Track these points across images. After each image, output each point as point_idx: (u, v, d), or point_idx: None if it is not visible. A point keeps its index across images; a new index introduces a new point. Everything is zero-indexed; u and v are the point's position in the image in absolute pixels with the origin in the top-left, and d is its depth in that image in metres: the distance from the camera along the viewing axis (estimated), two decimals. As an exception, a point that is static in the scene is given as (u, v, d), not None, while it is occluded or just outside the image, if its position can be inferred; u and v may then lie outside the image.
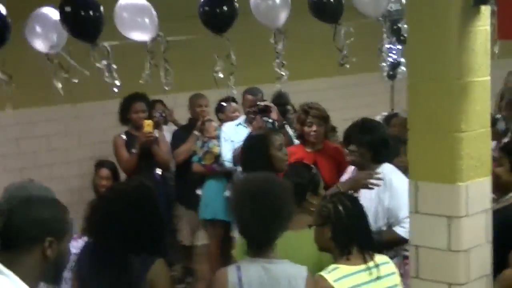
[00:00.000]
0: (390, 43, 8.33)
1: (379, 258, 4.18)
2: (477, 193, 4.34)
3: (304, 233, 4.31)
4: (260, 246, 3.94)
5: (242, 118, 7.65)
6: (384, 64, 8.49)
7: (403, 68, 8.57)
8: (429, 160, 4.34)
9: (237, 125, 7.58)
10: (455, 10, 4.22)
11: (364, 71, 8.73)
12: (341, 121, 8.09)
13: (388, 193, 5.40)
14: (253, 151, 5.58)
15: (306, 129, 6.55)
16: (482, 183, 4.39)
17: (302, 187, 4.61)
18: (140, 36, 5.73)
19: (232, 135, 7.44)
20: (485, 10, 4.32)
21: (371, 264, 4.10)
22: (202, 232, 8.48)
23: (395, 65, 8.59)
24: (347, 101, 10.13)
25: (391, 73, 8.68)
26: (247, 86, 8.07)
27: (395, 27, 7.79)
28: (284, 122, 7.32)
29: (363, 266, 4.09)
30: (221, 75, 5.96)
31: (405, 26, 7.08)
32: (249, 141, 5.77)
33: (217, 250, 7.84)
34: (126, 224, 3.99)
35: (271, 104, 7.25)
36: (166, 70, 5.90)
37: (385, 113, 8.50)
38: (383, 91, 9.43)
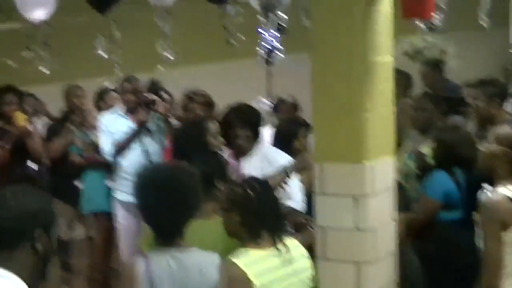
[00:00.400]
0: (267, 29, 8.37)
1: (289, 242, 4.15)
2: (382, 172, 4.39)
3: (215, 221, 4.23)
4: (168, 235, 3.84)
5: (119, 107, 7.45)
6: (261, 50, 8.51)
7: (279, 53, 8.61)
8: (334, 141, 4.34)
9: (115, 115, 7.36)
10: (359, -10, 4.24)
11: (241, 57, 8.70)
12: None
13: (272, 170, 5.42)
14: (189, 139, 5.36)
15: (192, 116, 6.47)
16: (386, 162, 4.44)
17: (210, 174, 4.53)
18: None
19: (111, 126, 7.24)
20: (387, -9, 4.37)
21: (281, 248, 4.07)
22: (80, 226, 8.25)
23: (271, 51, 8.62)
24: (223, 87, 10.10)
25: (268, 58, 8.69)
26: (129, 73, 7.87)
27: (272, 14, 7.78)
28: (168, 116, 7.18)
29: (273, 250, 4.05)
30: (104, 55, 5.72)
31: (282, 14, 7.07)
32: (185, 129, 5.54)
33: (103, 243, 7.65)
34: None
35: (156, 97, 7.08)
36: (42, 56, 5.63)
37: (263, 99, 8.52)
38: (259, 76, 9.45)
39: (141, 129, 6.96)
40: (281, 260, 4.03)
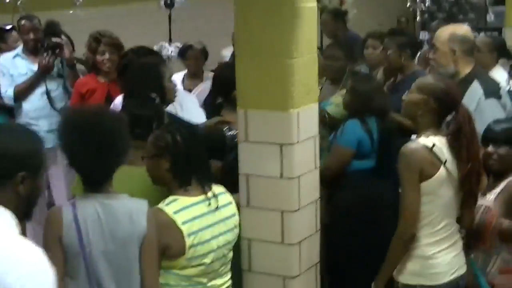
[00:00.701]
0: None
1: (217, 188, 4.07)
2: (307, 120, 4.34)
3: (144, 169, 4.09)
4: (95, 181, 3.68)
5: (19, 48, 7.08)
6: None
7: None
8: (259, 88, 4.27)
9: (14, 56, 6.99)
10: None
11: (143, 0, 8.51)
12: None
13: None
14: (145, 82, 5.07)
15: (98, 57, 6.25)
16: (311, 109, 4.40)
17: (148, 119, 4.37)
18: None
19: (11, 68, 6.93)
20: None
21: (209, 194, 3.98)
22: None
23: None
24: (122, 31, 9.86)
25: (168, 1, 8.49)
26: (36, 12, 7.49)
27: None
28: (75, 60, 6.89)
29: (202, 197, 3.95)
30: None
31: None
32: (140, 71, 5.21)
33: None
34: None
35: (63, 41, 6.79)
36: None
37: (164, 43, 8.33)
38: (161, 20, 9.21)
39: (44, 73, 6.68)
40: (209, 207, 3.95)
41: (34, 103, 6.75)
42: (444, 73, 5.03)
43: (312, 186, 4.45)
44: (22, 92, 6.80)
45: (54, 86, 6.76)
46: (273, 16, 4.20)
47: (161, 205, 3.85)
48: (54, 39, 6.67)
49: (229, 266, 4.09)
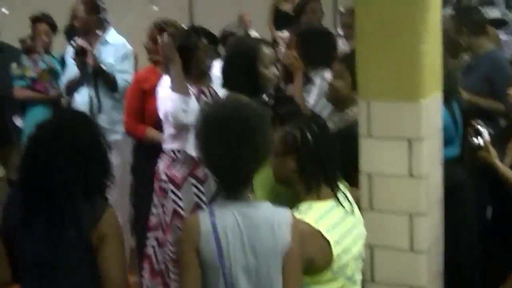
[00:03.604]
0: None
1: (343, 187, 3.60)
2: (434, 111, 3.91)
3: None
4: (234, 185, 3.20)
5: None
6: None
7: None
8: (385, 76, 3.80)
9: (71, 45, 6.29)
10: None
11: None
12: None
13: None
14: (234, 65, 4.53)
15: None
16: (437, 99, 3.96)
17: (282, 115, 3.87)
18: None
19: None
20: None
21: (341, 197, 3.51)
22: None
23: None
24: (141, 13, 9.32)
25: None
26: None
27: None
28: (100, 68, 6.28)
29: (333, 201, 3.48)
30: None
31: None
32: (232, 51, 4.66)
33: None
34: (70, 164, 3.22)
35: (88, 46, 6.21)
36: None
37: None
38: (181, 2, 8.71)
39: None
40: (344, 210, 3.48)
41: (84, 98, 6.24)
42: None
43: (439, 185, 4.01)
44: (69, 89, 6.39)
45: (92, 91, 6.25)
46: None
47: (296, 214, 3.36)
48: (80, 41, 6.10)
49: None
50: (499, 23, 9.27)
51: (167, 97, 4.85)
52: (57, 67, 6.87)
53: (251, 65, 4.45)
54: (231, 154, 3.11)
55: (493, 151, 4.58)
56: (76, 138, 3.27)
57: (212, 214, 3.14)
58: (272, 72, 4.52)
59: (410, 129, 3.78)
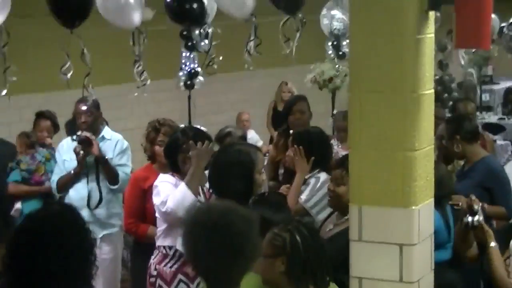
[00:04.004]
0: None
1: None
2: (426, 217, 3.96)
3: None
4: None
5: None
6: (181, 73, 7.91)
7: (201, 78, 8.01)
8: (376, 183, 3.87)
9: (73, 140, 6.48)
10: (410, 14, 3.80)
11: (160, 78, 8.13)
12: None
13: None
14: (232, 174, 4.62)
15: (157, 148, 5.76)
16: (429, 206, 4.02)
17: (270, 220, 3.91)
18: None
19: (65, 153, 6.45)
20: (432, 16, 3.96)
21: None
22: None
23: (192, 74, 8.00)
24: (139, 108, 9.47)
25: (188, 82, 8.07)
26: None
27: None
28: (104, 158, 6.41)
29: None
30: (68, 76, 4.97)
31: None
32: (229, 160, 4.81)
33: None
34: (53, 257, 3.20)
35: (93, 137, 6.33)
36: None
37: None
38: (178, 98, 8.85)
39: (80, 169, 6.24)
40: None
41: (79, 192, 6.29)
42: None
43: (429, 289, 4.04)
44: (63, 186, 6.43)
45: (93, 184, 6.30)
46: (394, 105, 3.83)
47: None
48: (84, 133, 6.21)
49: None
50: (496, 128, 9.41)
51: (168, 190, 4.90)
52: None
53: (248, 174, 4.56)
54: (217, 258, 3.15)
55: (488, 231, 4.54)
56: (61, 231, 3.29)
57: None
58: (263, 178, 4.65)
59: (402, 234, 3.84)
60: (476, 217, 4.60)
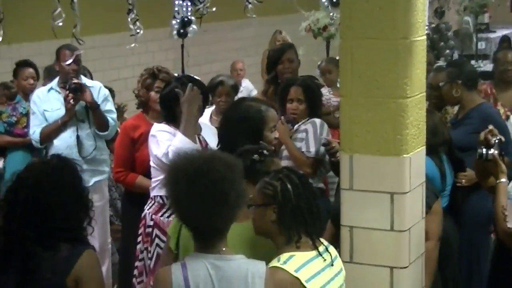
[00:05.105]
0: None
1: (324, 241, 3.61)
2: (417, 165, 3.93)
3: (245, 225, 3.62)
4: (207, 238, 3.21)
5: (54, 81, 6.43)
6: (174, 21, 7.84)
7: (194, 26, 7.94)
8: (368, 131, 3.84)
9: (49, 90, 6.37)
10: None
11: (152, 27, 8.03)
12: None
13: None
14: (241, 130, 4.45)
15: (153, 95, 5.66)
16: (421, 153, 3.99)
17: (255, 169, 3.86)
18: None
19: (44, 104, 6.33)
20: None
21: (321, 249, 3.52)
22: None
23: (185, 23, 7.93)
24: (130, 58, 9.37)
25: (181, 31, 8.00)
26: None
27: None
28: (97, 104, 6.32)
29: (314, 252, 3.49)
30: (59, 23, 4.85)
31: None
32: (239, 116, 4.59)
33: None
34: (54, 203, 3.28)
35: (84, 83, 6.22)
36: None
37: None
38: (172, 47, 8.74)
39: (68, 118, 6.17)
40: (324, 262, 3.49)
41: (66, 141, 6.21)
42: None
43: (420, 238, 4.02)
44: (48, 136, 6.26)
45: (84, 132, 6.24)
46: (385, 51, 3.78)
47: (277, 264, 3.37)
48: (75, 81, 6.12)
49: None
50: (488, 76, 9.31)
51: (167, 140, 4.85)
52: None
53: (258, 131, 4.50)
54: (202, 207, 3.12)
55: (502, 165, 4.43)
56: (60, 181, 3.31)
57: (184, 267, 3.14)
58: (275, 135, 4.60)
59: (393, 183, 3.81)
60: (491, 150, 4.48)
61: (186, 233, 3.43)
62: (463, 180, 5.36)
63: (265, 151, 3.87)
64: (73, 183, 3.37)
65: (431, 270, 4.40)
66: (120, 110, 7.31)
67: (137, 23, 5.36)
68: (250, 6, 6.16)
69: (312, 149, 5.26)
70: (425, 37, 3.95)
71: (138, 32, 5.39)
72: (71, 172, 3.40)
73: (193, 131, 4.84)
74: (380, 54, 3.79)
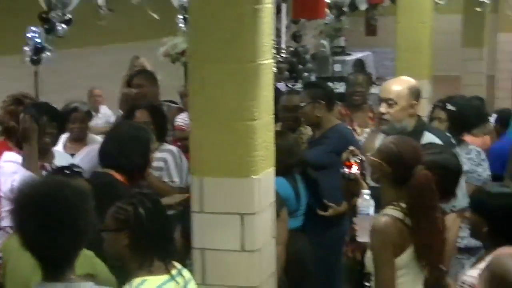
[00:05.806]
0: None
1: (177, 264, 3.62)
2: (266, 186, 3.99)
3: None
4: (53, 266, 3.15)
5: None
6: (27, 48, 7.65)
7: (48, 53, 7.78)
8: (217, 154, 3.88)
9: None
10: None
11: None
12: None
13: None
14: (135, 147, 4.46)
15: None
16: (270, 174, 4.05)
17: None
18: None
19: None
20: (268, -14, 3.98)
21: (174, 272, 3.53)
22: None
23: (39, 50, 7.75)
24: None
25: (34, 57, 7.81)
26: None
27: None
28: None
29: (167, 276, 3.49)
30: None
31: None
32: (126, 135, 4.55)
33: None
34: None
35: None
36: None
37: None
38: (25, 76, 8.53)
39: None
40: (177, 286, 3.50)
41: None
42: (400, 128, 4.77)
43: (271, 258, 4.08)
44: None
45: None
46: (233, 74, 3.84)
47: (128, 289, 3.36)
48: None
49: None
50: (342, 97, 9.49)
51: (14, 173, 4.77)
52: None
53: (146, 150, 4.51)
54: (47, 233, 3.07)
55: (363, 184, 4.53)
56: None
57: None
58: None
59: (243, 204, 3.86)
60: (353, 170, 4.59)
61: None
62: (329, 212, 5.53)
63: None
64: None
65: (279, 274, 4.49)
66: None
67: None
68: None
69: (176, 179, 5.32)
70: (272, 60, 4.03)
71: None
72: None
73: (35, 163, 4.77)
74: (228, 77, 3.84)
